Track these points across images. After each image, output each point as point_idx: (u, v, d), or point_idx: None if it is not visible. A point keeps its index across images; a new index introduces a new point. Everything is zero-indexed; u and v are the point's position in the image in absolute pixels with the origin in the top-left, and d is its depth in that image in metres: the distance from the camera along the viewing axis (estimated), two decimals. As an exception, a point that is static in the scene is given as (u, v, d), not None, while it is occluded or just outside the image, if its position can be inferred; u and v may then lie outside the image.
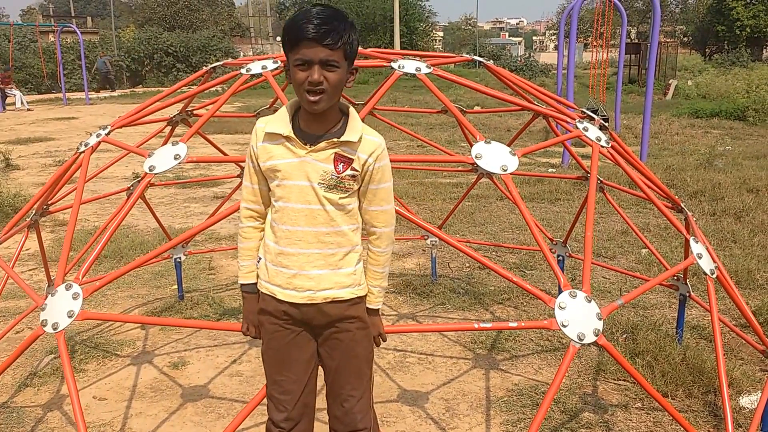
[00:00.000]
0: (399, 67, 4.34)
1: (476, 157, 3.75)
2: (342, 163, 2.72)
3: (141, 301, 6.70)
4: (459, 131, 17.79)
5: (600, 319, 3.32)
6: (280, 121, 2.75)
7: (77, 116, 25.02)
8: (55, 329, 3.34)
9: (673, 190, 9.93)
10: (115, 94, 35.99)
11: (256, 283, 2.99)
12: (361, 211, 2.89)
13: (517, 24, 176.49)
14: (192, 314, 6.31)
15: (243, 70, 4.55)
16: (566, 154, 14.18)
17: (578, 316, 3.31)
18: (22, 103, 27.56)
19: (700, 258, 4.19)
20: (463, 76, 5.08)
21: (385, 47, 41.81)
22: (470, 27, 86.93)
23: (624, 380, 4.95)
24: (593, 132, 4.27)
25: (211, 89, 5.24)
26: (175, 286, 6.81)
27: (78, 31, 33.03)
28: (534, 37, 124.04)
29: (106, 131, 4.44)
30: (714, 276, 4.22)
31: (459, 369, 5.25)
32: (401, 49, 41.81)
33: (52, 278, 5.22)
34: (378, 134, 2.83)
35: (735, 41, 53.58)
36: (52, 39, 39.02)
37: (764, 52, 57.55)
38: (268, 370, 2.97)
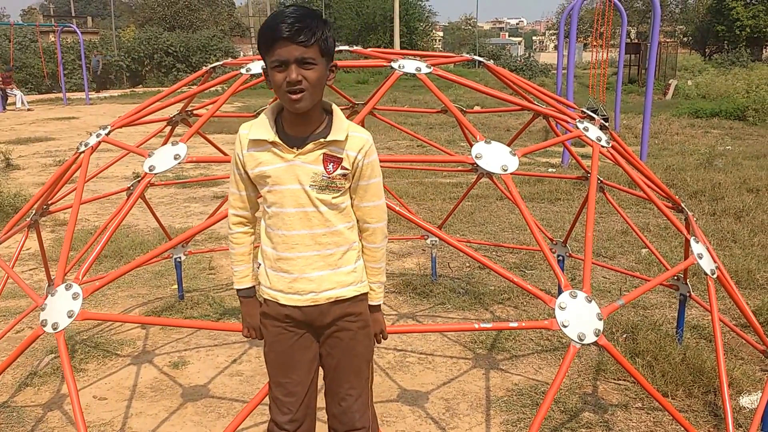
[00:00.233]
0: (399, 67, 4.34)
1: (476, 157, 3.75)
2: (332, 163, 2.71)
3: (141, 301, 6.70)
4: (458, 131, 17.79)
5: (600, 319, 3.32)
6: (263, 127, 2.73)
7: (77, 116, 25.03)
8: (54, 329, 3.34)
9: (673, 190, 9.93)
10: (106, 94, 35.91)
11: (252, 287, 3.00)
12: (353, 208, 2.88)
13: (517, 24, 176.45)
14: (192, 314, 6.31)
15: (243, 70, 4.55)
16: (566, 154, 14.18)
17: (579, 316, 3.31)
18: (22, 103, 27.58)
19: (700, 258, 4.19)
20: (462, 76, 5.07)
21: (384, 47, 41.82)
22: (470, 27, 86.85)
23: (624, 380, 4.95)
24: (593, 132, 4.27)
25: (210, 89, 5.23)
26: (175, 286, 6.81)
27: (78, 31, 33.05)
28: (534, 37, 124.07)
29: (106, 131, 4.44)
30: (714, 276, 4.21)
31: (459, 369, 5.25)
32: (401, 48, 41.83)
33: (52, 278, 5.22)
34: (365, 130, 2.82)
35: (735, 41, 53.56)
36: (53, 39, 39.06)
37: (764, 52, 57.55)
38: (271, 372, 2.96)
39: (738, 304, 4.49)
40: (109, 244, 7.52)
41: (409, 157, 10.19)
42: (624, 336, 5.54)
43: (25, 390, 4.95)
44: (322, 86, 2.67)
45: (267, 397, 3.10)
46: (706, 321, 5.93)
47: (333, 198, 2.75)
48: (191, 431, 4.40)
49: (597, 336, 3.28)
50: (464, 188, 10.96)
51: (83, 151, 4.36)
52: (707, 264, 4.20)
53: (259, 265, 2.90)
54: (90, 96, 32.13)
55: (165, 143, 5.39)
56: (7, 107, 27.52)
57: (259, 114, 6.33)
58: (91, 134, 4.49)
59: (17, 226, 4.82)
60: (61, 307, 3.36)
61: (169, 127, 5.84)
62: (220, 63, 5.46)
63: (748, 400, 4.59)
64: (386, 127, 6.76)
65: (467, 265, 7.68)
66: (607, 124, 4.75)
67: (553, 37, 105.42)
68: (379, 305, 3.02)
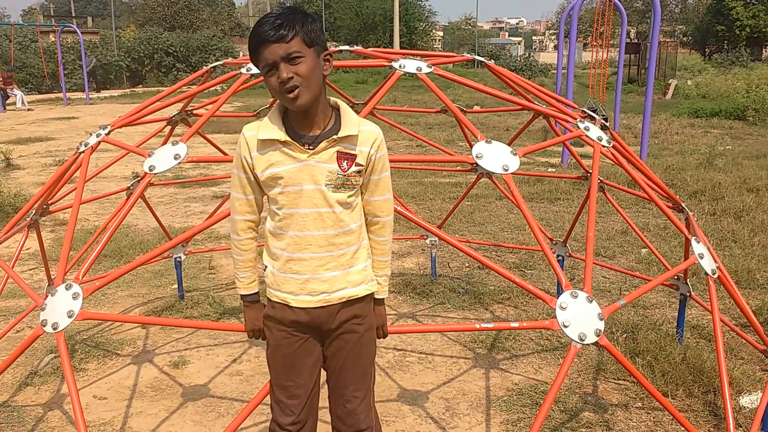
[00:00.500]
0: (400, 66, 4.33)
1: (477, 156, 3.74)
2: (346, 161, 2.68)
3: (141, 300, 6.70)
4: (457, 131, 17.79)
5: (601, 319, 3.31)
6: (271, 127, 2.68)
7: (77, 116, 25.03)
8: (55, 329, 3.33)
9: (672, 190, 9.93)
10: (106, 94, 35.79)
11: (257, 293, 2.98)
12: (362, 202, 2.86)
13: (517, 24, 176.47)
14: (192, 313, 6.31)
15: (243, 70, 4.55)
16: (565, 153, 14.20)
17: (579, 316, 3.30)
18: (23, 102, 27.59)
19: (701, 258, 4.19)
20: (461, 76, 5.05)
21: (384, 47, 41.83)
22: (470, 27, 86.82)
23: (624, 380, 4.95)
24: (594, 132, 4.27)
25: (210, 89, 5.23)
26: (175, 285, 6.81)
27: (78, 31, 33.06)
28: (534, 37, 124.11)
29: (106, 131, 4.44)
30: (715, 276, 4.21)
31: (459, 368, 5.25)
32: (401, 48, 41.83)
33: (52, 278, 5.22)
34: (374, 124, 2.79)
35: (735, 41, 53.65)
36: (53, 39, 39.02)
37: (764, 51, 57.60)
38: (274, 375, 2.95)
39: (739, 304, 4.49)
40: (109, 244, 7.51)
41: (410, 157, 10.18)
42: (624, 336, 5.54)
43: (26, 389, 4.95)
44: (318, 78, 2.63)
45: (267, 397, 3.10)
46: (706, 321, 5.93)
47: (348, 196, 2.73)
48: (191, 430, 4.40)
49: (598, 336, 3.27)
50: (464, 188, 10.97)
51: (83, 151, 4.36)
52: (708, 264, 4.20)
53: (266, 267, 2.86)
54: (90, 96, 32.11)
55: (165, 143, 5.40)
56: (7, 107, 27.51)
57: (259, 114, 6.36)
58: (91, 134, 4.49)
59: (17, 225, 4.82)
60: (61, 307, 3.36)
61: (168, 127, 5.84)
62: (221, 63, 5.46)
63: (748, 400, 4.59)
64: (386, 127, 6.71)
65: (467, 265, 7.68)
66: (607, 123, 4.75)
67: (552, 37, 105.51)
68: (383, 299, 3.01)
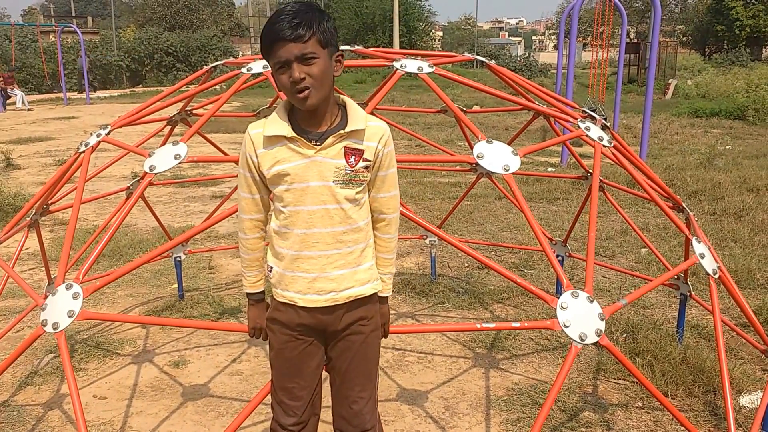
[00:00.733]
0: (401, 66, 4.33)
1: (478, 156, 3.74)
2: (353, 156, 2.66)
3: (141, 300, 6.69)
4: (456, 131, 17.82)
5: (602, 319, 3.30)
6: (277, 123, 2.66)
7: (77, 116, 25.03)
8: (55, 329, 3.33)
9: (672, 190, 9.95)
10: (106, 94, 35.61)
11: (263, 291, 2.97)
12: (369, 199, 2.83)
13: (517, 24, 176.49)
14: (192, 313, 6.31)
15: (244, 69, 4.55)
16: (565, 153, 14.21)
17: (580, 316, 3.30)
18: (23, 102, 27.58)
19: (702, 258, 4.18)
20: (461, 76, 5.07)
21: (384, 47, 41.82)
22: (470, 27, 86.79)
23: (624, 379, 4.95)
24: (595, 132, 4.26)
25: (209, 89, 5.23)
26: (175, 285, 6.81)
27: (79, 31, 33.05)
28: (533, 37, 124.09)
29: (107, 131, 4.44)
30: (716, 276, 4.21)
31: (458, 368, 5.25)
32: (400, 48, 41.83)
33: (52, 277, 5.22)
34: (381, 120, 2.77)
35: (734, 41, 53.67)
36: (53, 39, 39.01)
37: (764, 51, 57.62)
38: (277, 377, 2.94)
39: (740, 304, 4.48)
40: (108, 243, 7.51)
41: (411, 157, 10.17)
42: (624, 335, 5.54)
43: (26, 389, 4.94)
44: (328, 79, 2.62)
45: (268, 396, 3.10)
46: (706, 320, 5.93)
47: (356, 192, 2.70)
48: (191, 430, 4.40)
49: (599, 336, 3.27)
50: (463, 188, 10.98)
51: (83, 151, 4.36)
52: (709, 264, 4.19)
53: (270, 268, 2.84)
54: (90, 96, 32.10)
55: (164, 143, 5.40)
56: (7, 107, 27.51)
57: (259, 113, 6.36)
58: (91, 134, 4.49)
59: (18, 225, 4.82)
60: (62, 307, 3.35)
61: (168, 127, 5.84)
62: (221, 62, 5.45)
63: (748, 400, 4.59)
64: (386, 127, 6.73)
65: (466, 265, 7.68)
66: (607, 123, 4.75)
67: (552, 37, 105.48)
68: (387, 297, 3.00)
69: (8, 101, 27.92)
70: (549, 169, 13.46)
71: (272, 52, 2.57)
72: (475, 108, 18.29)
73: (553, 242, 6.54)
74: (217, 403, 4.73)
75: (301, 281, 2.74)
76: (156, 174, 3.86)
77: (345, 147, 2.66)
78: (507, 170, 3.71)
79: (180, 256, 6.55)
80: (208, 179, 10.14)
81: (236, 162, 6.31)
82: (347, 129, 2.65)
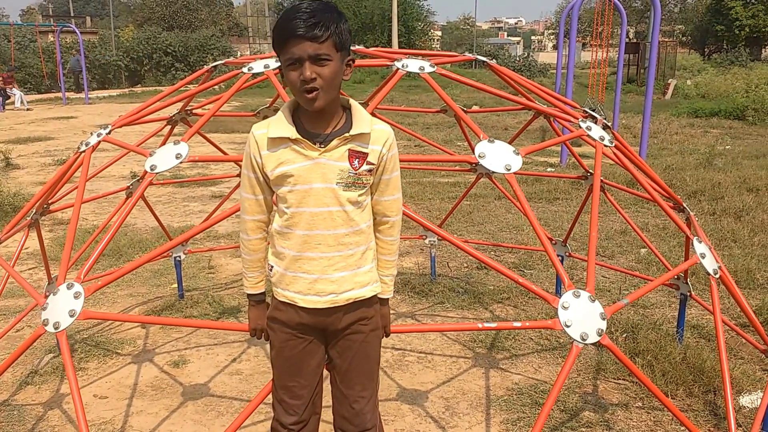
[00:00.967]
0: (403, 66, 4.33)
1: (480, 156, 3.74)
2: (357, 159, 2.65)
3: (141, 300, 6.69)
4: (455, 131, 17.82)
5: (604, 318, 3.30)
6: (281, 124, 2.65)
7: (76, 116, 24.99)
8: (56, 329, 3.32)
9: (672, 190, 9.96)
10: (105, 93, 35.47)
11: (264, 293, 2.97)
12: (372, 202, 2.83)
13: (516, 24, 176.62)
14: (192, 313, 6.31)
15: (245, 69, 4.54)
16: (564, 153, 14.22)
17: (581, 316, 3.29)
18: (21, 102, 27.56)
19: (703, 258, 4.18)
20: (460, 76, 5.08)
21: (383, 47, 41.80)
22: (468, 27, 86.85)
23: (624, 379, 4.95)
24: (596, 131, 4.26)
25: (209, 89, 5.23)
26: (175, 285, 6.81)
27: (77, 31, 33.03)
28: (532, 37, 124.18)
29: (107, 131, 4.43)
30: (717, 276, 4.21)
31: (458, 368, 5.25)
32: (399, 48, 41.83)
33: (53, 277, 5.22)
34: (385, 123, 2.76)
35: (734, 41, 53.70)
36: (52, 39, 38.99)
37: (763, 51, 57.64)
38: (278, 376, 2.94)
39: (740, 304, 4.48)
40: (108, 243, 7.51)
41: (412, 157, 10.17)
42: (624, 335, 5.54)
43: (26, 388, 4.94)
44: (338, 82, 2.60)
45: (269, 396, 3.10)
46: (706, 320, 5.93)
47: (359, 195, 2.69)
48: (191, 429, 4.40)
49: (600, 336, 3.26)
50: (462, 188, 10.98)
51: (84, 151, 4.35)
52: (710, 264, 4.19)
53: (271, 267, 2.84)
54: (89, 96, 32.08)
55: (164, 143, 5.40)
56: (6, 107, 27.49)
57: (259, 113, 6.36)
58: (91, 133, 4.49)
59: (18, 225, 4.81)
60: (63, 307, 3.35)
61: (168, 127, 5.84)
62: (222, 62, 5.45)
63: (748, 400, 4.59)
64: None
65: (465, 265, 7.68)
66: (608, 123, 4.75)
67: (551, 37, 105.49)
68: (388, 299, 3.00)
69: (7, 101, 27.89)
70: (548, 169, 13.46)
71: (285, 48, 2.54)
72: (475, 108, 18.29)
73: (553, 242, 6.54)
74: (217, 403, 4.73)
75: (302, 282, 2.74)
76: (157, 173, 3.86)
77: (349, 150, 2.65)
78: (509, 170, 3.71)
79: (180, 256, 6.55)
80: (207, 179, 10.14)
81: (236, 162, 6.31)
82: (352, 132, 2.64)
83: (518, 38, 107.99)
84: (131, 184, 6.07)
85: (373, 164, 2.69)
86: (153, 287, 7.05)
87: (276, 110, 6.07)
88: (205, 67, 5.45)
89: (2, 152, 14.56)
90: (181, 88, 5.45)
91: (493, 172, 3.86)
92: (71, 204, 4.92)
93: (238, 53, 49.46)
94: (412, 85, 29.68)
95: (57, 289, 3.42)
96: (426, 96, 27.92)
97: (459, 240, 3.92)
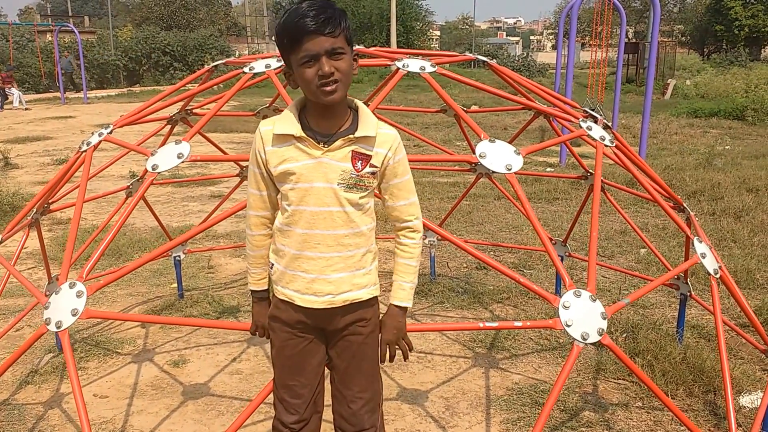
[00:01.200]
0: (404, 66, 4.33)
1: (481, 156, 3.74)
2: (360, 161, 2.65)
3: (141, 299, 6.69)
4: (454, 131, 17.82)
5: (605, 318, 3.30)
6: (287, 122, 2.65)
7: (74, 115, 24.97)
8: (58, 328, 3.33)
9: (671, 190, 9.96)
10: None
11: (267, 290, 2.97)
12: (387, 209, 2.85)
13: (515, 23, 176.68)
14: (192, 312, 6.31)
15: (246, 69, 4.54)
16: (563, 153, 14.22)
17: (582, 315, 3.29)
18: (20, 102, 27.54)
19: (704, 258, 4.18)
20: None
21: (381, 46, 41.76)
22: (467, 26, 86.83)
23: (624, 379, 4.95)
24: (597, 131, 4.26)
25: (209, 88, 5.23)
26: (175, 284, 6.80)
27: (76, 31, 33.01)
28: (531, 37, 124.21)
29: (108, 130, 4.43)
30: (718, 276, 4.21)
31: (458, 368, 5.25)
32: (398, 48, 41.84)
33: (53, 276, 5.22)
34: (391, 127, 2.76)
35: (733, 41, 53.74)
36: (50, 38, 38.98)
37: (763, 51, 57.67)
38: (279, 374, 2.95)
39: (740, 304, 4.48)
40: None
41: (412, 157, 10.20)
42: (624, 335, 5.54)
43: (26, 388, 4.94)
44: (351, 76, 2.62)
45: (269, 396, 3.10)
46: (706, 320, 5.94)
47: (360, 198, 2.70)
48: (192, 429, 4.40)
49: (601, 335, 3.26)
50: (461, 188, 10.98)
51: (85, 150, 4.35)
52: (710, 264, 4.19)
53: (272, 264, 2.85)
54: (88, 95, 32.06)
55: (164, 142, 5.39)
56: (5, 106, 27.47)
57: (259, 113, 6.36)
58: (93, 133, 4.49)
59: (19, 224, 4.81)
60: (66, 306, 3.36)
61: (168, 127, 5.84)
62: (222, 61, 5.45)
63: (748, 400, 4.59)
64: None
65: (465, 265, 7.68)
66: (609, 123, 4.75)
67: (550, 37, 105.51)
68: (407, 308, 2.96)
69: (6, 101, 27.87)
70: (548, 169, 13.46)
71: (299, 46, 2.53)
72: (474, 108, 18.29)
73: (553, 242, 6.54)
74: (217, 402, 4.73)
75: (301, 280, 2.75)
76: (159, 173, 3.86)
77: (352, 151, 2.65)
78: (510, 169, 3.71)
79: (179, 256, 6.54)
80: (206, 179, 10.14)
81: (236, 161, 6.33)
82: (357, 134, 2.65)
83: (517, 38, 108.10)
84: (131, 184, 6.06)
85: (376, 167, 2.69)
86: (153, 287, 7.05)
87: (276, 110, 6.08)
88: (206, 66, 5.45)
89: (1, 152, 14.57)
90: (182, 88, 5.45)
91: (495, 172, 3.85)
92: (70, 204, 4.92)
93: (237, 53, 49.42)
94: (410, 85, 29.69)
95: (59, 288, 3.43)
96: (424, 96, 27.93)
97: (460, 240, 3.91)
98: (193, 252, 7.28)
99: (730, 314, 6.00)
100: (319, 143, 2.64)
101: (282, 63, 4.29)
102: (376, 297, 2.90)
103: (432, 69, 4.33)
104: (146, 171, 3.86)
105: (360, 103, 2.76)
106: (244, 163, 6.17)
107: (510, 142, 3.93)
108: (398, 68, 4.35)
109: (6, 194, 10.22)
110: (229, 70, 4.80)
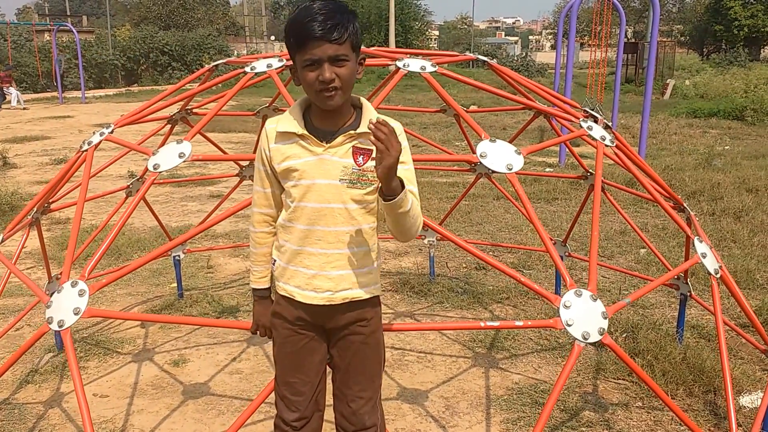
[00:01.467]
0: (404, 65, 4.33)
1: (481, 156, 3.74)
2: (362, 155, 2.64)
3: (140, 299, 6.69)
4: (453, 131, 17.82)
5: (605, 318, 3.29)
6: (291, 120, 2.67)
7: (73, 115, 24.98)
8: (60, 327, 3.32)
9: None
10: (102, 93, 35.30)
11: (268, 288, 2.97)
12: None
13: (514, 23, 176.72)
14: (191, 312, 6.31)
15: (248, 69, 4.54)
16: (563, 153, 14.22)
17: (583, 315, 3.28)
18: (18, 101, 27.52)
19: (704, 258, 4.18)
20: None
21: (380, 46, 41.78)
22: (466, 26, 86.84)
23: (624, 379, 4.96)
24: (597, 131, 4.26)
25: (210, 88, 5.23)
26: (174, 284, 6.80)
27: (74, 30, 33.00)
28: (530, 37, 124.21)
29: (109, 130, 4.43)
30: (718, 276, 4.20)
31: (458, 367, 5.25)
32: (396, 48, 41.82)
33: (55, 276, 5.22)
34: (394, 120, 2.72)
35: (733, 41, 53.74)
36: (48, 38, 38.97)
37: (762, 51, 57.70)
38: (279, 372, 2.95)
39: (741, 304, 4.48)
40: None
41: (414, 157, 10.23)
42: (624, 335, 5.54)
43: (26, 387, 4.94)
44: (353, 81, 2.62)
45: (270, 395, 3.10)
46: (706, 320, 5.94)
47: (366, 193, 2.69)
48: (192, 428, 4.40)
49: (601, 335, 3.26)
50: (461, 188, 10.98)
51: (86, 150, 4.35)
52: (711, 264, 4.19)
53: (274, 261, 2.85)
54: (86, 95, 32.07)
55: (164, 142, 5.39)
56: (3, 106, 27.46)
57: (259, 112, 6.35)
58: (93, 132, 4.49)
59: (19, 224, 4.81)
60: (68, 305, 3.36)
61: (168, 126, 5.83)
62: (223, 61, 5.44)
63: (748, 400, 4.60)
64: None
65: (464, 265, 7.68)
66: (609, 123, 4.75)
67: (549, 37, 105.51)
68: (403, 189, 2.55)
69: (5, 100, 27.84)
70: (547, 169, 13.47)
71: (304, 50, 2.54)
72: (473, 108, 18.29)
73: (553, 242, 6.54)
74: (217, 402, 4.73)
75: (301, 276, 2.76)
76: (160, 172, 3.85)
77: (354, 147, 2.65)
78: (510, 169, 3.71)
79: (179, 255, 6.54)
80: (205, 179, 10.13)
81: (236, 161, 6.32)
82: (359, 130, 2.65)
83: (516, 38, 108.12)
84: (131, 184, 6.06)
85: None
86: (152, 286, 7.05)
87: (276, 110, 6.08)
88: (206, 66, 5.45)
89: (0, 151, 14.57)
90: (182, 88, 5.45)
91: (495, 172, 3.85)
92: (70, 203, 4.91)
93: (235, 52, 49.47)
94: (408, 85, 29.70)
95: (61, 287, 3.42)
96: (423, 95, 27.94)
97: (460, 239, 3.91)
98: (192, 252, 7.29)
99: (730, 314, 6.00)
100: (321, 141, 2.64)
101: (283, 64, 4.29)
102: (377, 297, 2.89)
103: (432, 69, 4.33)
104: (147, 170, 3.86)
105: (364, 101, 2.76)
106: (243, 163, 6.17)
107: (511, 142, 3.93)
108: (399, 68, 4.35)
109: (5, 194, 10.23)
110: (229, 70, 4.80)
